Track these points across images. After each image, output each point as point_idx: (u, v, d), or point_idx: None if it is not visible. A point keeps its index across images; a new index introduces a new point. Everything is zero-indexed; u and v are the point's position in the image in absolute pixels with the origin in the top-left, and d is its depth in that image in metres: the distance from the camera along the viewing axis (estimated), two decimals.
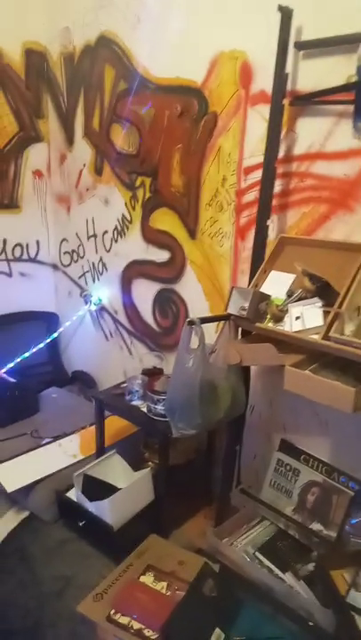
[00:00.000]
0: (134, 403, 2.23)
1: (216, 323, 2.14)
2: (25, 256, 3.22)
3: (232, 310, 1.80)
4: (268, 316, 1.76)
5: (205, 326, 1.75)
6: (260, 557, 1.96)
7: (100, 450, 2.41)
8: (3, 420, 2.79)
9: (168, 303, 2.64)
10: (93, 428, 2.47)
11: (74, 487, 2.19)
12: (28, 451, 2.47)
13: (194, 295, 2.48)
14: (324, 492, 2.01)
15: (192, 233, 2.41)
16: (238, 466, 2.24)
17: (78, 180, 3.00)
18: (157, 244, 2.62)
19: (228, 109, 2.12)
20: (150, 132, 2.49)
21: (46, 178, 3.18)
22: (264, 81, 1.95)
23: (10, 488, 2.24)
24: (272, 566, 1.92)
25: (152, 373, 2.37)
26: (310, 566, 1.92)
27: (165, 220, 2.53)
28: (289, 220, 2.00)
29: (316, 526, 2.01)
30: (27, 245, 3.20)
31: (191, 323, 1.72)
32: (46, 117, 3.08)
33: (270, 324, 1.75)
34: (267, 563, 1.94)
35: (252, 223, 2.13)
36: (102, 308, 3.08)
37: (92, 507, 2.06)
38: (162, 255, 2.60)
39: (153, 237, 2.63)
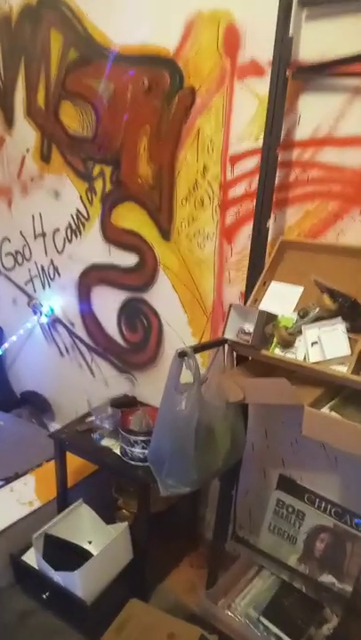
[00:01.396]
0: (104, 443, 1.84)
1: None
2: None
3: (230, 335, 1.44)
4: (275, 341, 1.42)
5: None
6: (266, 623, 1.65)
7: (62, 497, 2.01)
8: None
9: (137, 315, 2.25)
10: (51, 464, 2.06)
11: (32, 547, 1.78)
12: None
13: (169, 306, 2.11)
14: (335, 538, 1.72)
15: (165, 233, 2.03)
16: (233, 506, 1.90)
17: (21, 169, 2.52)
18: (122, 245, 2.21)
19: (208, 84, 1.74)
20: (110, 112, 2.06)
21: None
22: (255, 48, 1.59)
23: None
24: (281, 634, 1.61)
25: (124, 404, 1.98)
26: (326, 629, 1.63)
27: (131, 218, 2.13)
28: (289, 219, 1.66)
29: (327, 578, 1.72)
30: None
31: (183, 354, 1.35)
32: None
33: (277, 351, 1.41)
34: (274, 630, 1.63)
35: (240, 222, 1.79)
36: (55, 320, 2.64)
37: (57, 577, 1.66)
38: (128, 259, 2.20)
39: (116, 237, 2.22)
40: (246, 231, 1.76)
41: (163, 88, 1.86)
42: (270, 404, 1.56)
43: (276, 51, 1.44)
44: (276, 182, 1.58)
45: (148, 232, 2.08)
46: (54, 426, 2.84)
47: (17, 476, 2.20)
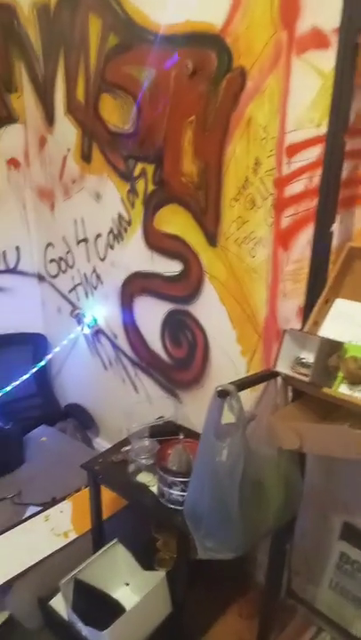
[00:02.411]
0: (140, 479, 1.63)
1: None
2: (2, 266, 2.60)
3: (284, 367, 1.18)
4: (341, 376, 1.14)
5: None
6: None
7: (97, 531, 1.82)
8: None
9: (181, 329, 2.02)
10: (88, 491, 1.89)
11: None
12: (4, 531, 1.88)
13: (215, 321, 1.86)
14: None
15: (212, 238, 1.78)
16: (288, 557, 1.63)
17: (62, 170, 2.36)
18: (165, 251, 1.99)
19: (261, 62, 1.47)
20: (151, 102, 1.84)
21: (24, 167, 2.54)
22: (318, 13, 1.30)
23: None
24: None
25: (164, 432, 1.76)
26: None
27: (175, 221, 1.90)
28: (358, 221, 1.36)
29: None
30: (3, 253, 2.58)
31: (224, 394, 1.10)
32: (20, 91, 2.43)
33: (344, 388, 1.13)
34: None
35: (299, 225, 1.50)
36: (99, 331, 2.47)
37: (87, 632, 1.47)
38: (171, 267, 1.97)
39: (159, 243, 2.00)
40: (306, 236, 1.48)
41: (209, 71, 1.61)
42: (334, 456, 1.28)
43: (345, 14, 1.14)
44: (343, 176, 1.28)
45: (193, 237, 1.85)
46: (98, 442, 2.69)
47: (54, 502, 2.05)
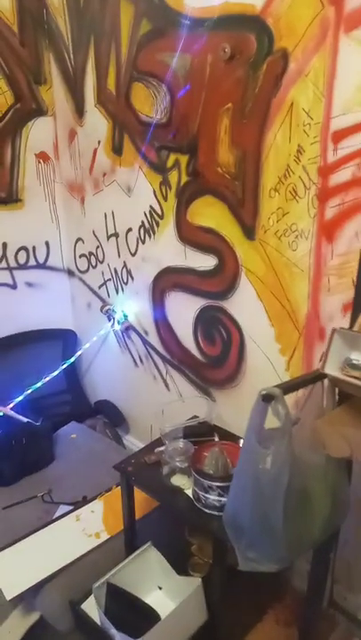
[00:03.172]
0: (175, 482, 1.57)
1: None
2: (32, 262, 2.57)
3: (333, 369, 1.10)
4: None
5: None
6: None
7: (130, 532, 1.78)
8: (8, 477, 2.19)
9: (215, 325, 1.95)
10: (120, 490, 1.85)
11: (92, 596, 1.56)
12: (35, 531, 1.85)
13: (252, 317, 1.78)
14: None
15: (249, 231, 1.70)
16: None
17: (92, 163, 2.31)
18: (199, 246, 1.91)
19: (305, 43, 1.38)
20: (186, 90, 1.77)
21: (53, 161, 2.50)
22: None
23: (9, 594, 1.64)
24: None
25: (198, 433, 1.70)
26: None
27: (210, 214, 1.82)
28: None
29: None
30: (33, 249, 2.56)
31: (269, 398, 1.02)
32: (49, 83, 2.39)
33: None
34: None
35: (345, 216, 1.42)
36: (129, 327, 2.42)
37: (120, 639, 1.43)
38: (205, 261, 1.90)
39: (192, 237, 1.93)
40: (353, 227, 1.39)
41: (248, 55, 1.52)
42: None
43: None
44: None
45: (229, 230, 1.77)
46: (129, 439, 2.65)
47: (85, 501, 2.01)
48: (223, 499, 1.38)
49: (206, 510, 1.44)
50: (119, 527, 1.87)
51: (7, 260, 2.48)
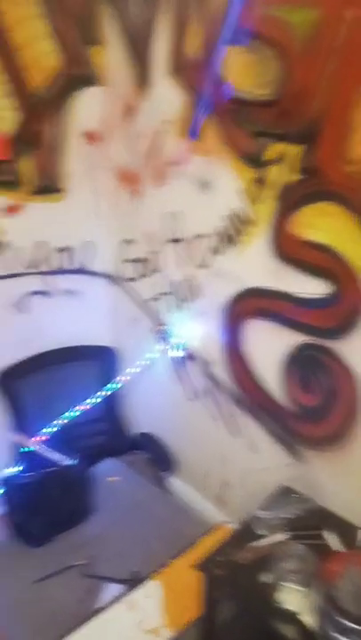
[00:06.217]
0: (286, 602, 1.13)
1: None
2: (69, 265, 2.12)
3: None
4: None
5: None
6: None
7: None
8: (38, 536, 1.77)
9: (315, 370, 1.51)
10: (184, 561, 1.45)
11: None
12: (78, 624, 1.43)
13: None
14: None
15: None
16: None
17: (154, 148, 1.84)
18: (304, 266, 1.46)
19: None
20: (306, 58, 1.30)
21: (102, 142, 2.03)
22: None
23: None
24: None
25: (299, 525, 1.26)
26: None
27: (326, 226, 1.37)
28: None
29: None
30: (69, 249, 2.10)
31: None
32: (104, 43, 1.91)
33: None
34: None
35: None
36: (187, 353, 1.97)
37: None
38: (312, 287, 1.45)
39: (295, 254, 1.48)
40: None
41: None
42: None
43: None
44: None
45: (354, 249, 1.32)
46: (175, 482, 2.22)
47: (136, 580, 1.59)
48: None
49: None
50: (184, 619, 1.45)
51: (41, 264, 2.02)
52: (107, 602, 1.52)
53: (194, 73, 1.62)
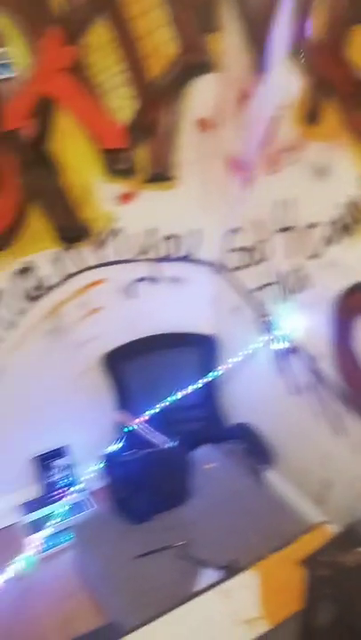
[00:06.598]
0: None
1: None
2: (175, 253, 2.15)
3: None
4: None
5: None
6: None
7: None
8: (141, 513, 1.84)
9: None
10: (283, 555, 1.43)
11: None
12: (173, 607, 1.47)
13: None
14: None
15: None
16: None
17: (270, 134, 1.80)
18: None
19: None
20: None
21: (215, 129, 2.02)
22: None
23: None
24: None
25: None
26: None
27: None
28: None
29: None
30: (174, 236, 2.12)
31: None
32: (221, 30, 1.88)
33: None
34: None
35: None
36: (291, 345, 1.92)
37: None
38: None
39: None
40: None
41: None
42: None
43: None
44: None
45: None
46: (271, 476, 2.19)
47: (233, 569, 1.59)
48: None
49: None
50: (281, 614, 1.43)
51: (149, 251, 2.08)
52: (202, 587, 1.54)
53: (316, 55, 1.55)
